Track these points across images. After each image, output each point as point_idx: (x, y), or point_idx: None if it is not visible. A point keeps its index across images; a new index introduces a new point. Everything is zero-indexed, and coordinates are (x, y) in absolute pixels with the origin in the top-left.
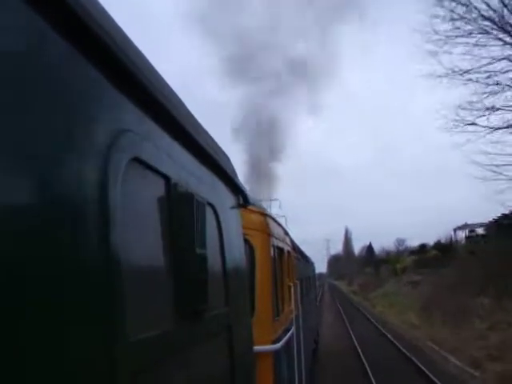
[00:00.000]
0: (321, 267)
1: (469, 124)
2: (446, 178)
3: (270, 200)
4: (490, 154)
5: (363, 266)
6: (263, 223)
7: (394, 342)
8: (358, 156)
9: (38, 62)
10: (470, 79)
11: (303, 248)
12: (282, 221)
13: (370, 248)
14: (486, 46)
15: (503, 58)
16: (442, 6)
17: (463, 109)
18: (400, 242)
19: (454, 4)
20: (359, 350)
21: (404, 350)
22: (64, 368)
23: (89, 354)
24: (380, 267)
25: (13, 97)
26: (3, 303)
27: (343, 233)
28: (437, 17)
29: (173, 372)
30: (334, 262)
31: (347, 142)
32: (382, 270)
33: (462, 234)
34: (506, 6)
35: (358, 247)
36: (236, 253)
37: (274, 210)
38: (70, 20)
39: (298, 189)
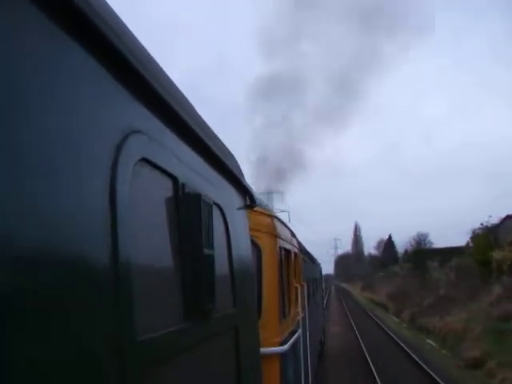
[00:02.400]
0: (327, 268)
1: None
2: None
3: (272, 193)
4: None
5: (381, 265)
6: (270, 225)
7: None
8: (365, 154)
9: (47, 63)
10: None
11: (308, 248)
12: (285, 216)
13: (389, 242)
14: None
15: None
16: None
17: None
18: (422, 236)
19: None
20: None
21: None
22: (74, 367)
23: (99, 352)
24: (426, 265)
25: (20, 97)
26: (16, 299)
27: (352, 230)
28: None
29: (180, 371)
30: (341, 261)
31: (355, 140)
32: (433, 269)
33: None
34: None
35: (366, 247)
36: (243, 254)
37: (276, 205)
38: (83, 23)
39: (303, 186)
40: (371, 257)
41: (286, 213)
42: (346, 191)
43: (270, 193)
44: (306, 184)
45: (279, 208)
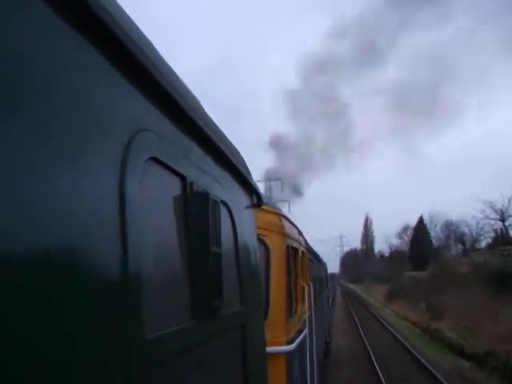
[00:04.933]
0: (332, 267)
1: None
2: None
3: (271, 181)
4: None
5: (411, 259)
6: (278, 224)
7: None
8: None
9: (56, 60)
10: None
11: (312, 244)
12: (284, 207)
13: (420, 227)
14: None
15: None
16: None
17: None
18: (450, 225)
19: None
20: None
21: None
22: (83, 364)
23: (107, 350)
24: None
25: (29, 95)
26: (29, 301)
27: (358, 226)
28: None
29: (187, 369)
30: (348, 259)
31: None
32: None
33: None
34: None
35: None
36: (250, 252)
37: (274, 193)
38: (93, 21)
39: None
40: (391, 247)
41: (287, 203)
42: (350, 186)
43: (268, 180)
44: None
45: (278, 197)
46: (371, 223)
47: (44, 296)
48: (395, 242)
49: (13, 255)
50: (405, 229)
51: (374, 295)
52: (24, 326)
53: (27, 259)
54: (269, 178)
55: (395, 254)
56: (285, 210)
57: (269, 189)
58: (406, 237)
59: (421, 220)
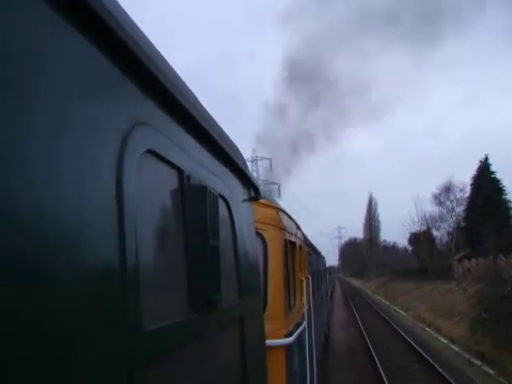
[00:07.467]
0: (330, 259)
1: None
2: None
3: (257, 159)
4: None
5: (463, 238)
6: (276, 218)
7: None
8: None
9: (52, 56)
10: None
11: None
12: (274, 188)
13: (485, 173)
14: None
15: None
16: None
17: None
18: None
19: None
20: None
21: None
22: (80, 357)
23: (105, 342)
24: None
25: (25, 91)
26: (28, 294)
27: (359, 215)
28: None
29: (185, 362)
30: (349, 250)
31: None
32: None
33: None
34: None
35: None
36: (248, 245)
37: (262, 175)
38: (90, 16)
39: (304, 169)
40: (422, 219)
41: (276, 186)
42: (346, 176)
43: (254, 160)
44: (307, 167)
45: (268, 179)
46: (376, 205)
47: (42, 290)
48: (430, 209)
49: (10, 249)
50: (446, 189)
51: (414, 309)
52: (22, 320)
53: (24, 253)
54: (256, 157)
55: (421, 234)
56: (274, 194)
57: (256, 170)
58: (448, 202)
59: (486, 161)
